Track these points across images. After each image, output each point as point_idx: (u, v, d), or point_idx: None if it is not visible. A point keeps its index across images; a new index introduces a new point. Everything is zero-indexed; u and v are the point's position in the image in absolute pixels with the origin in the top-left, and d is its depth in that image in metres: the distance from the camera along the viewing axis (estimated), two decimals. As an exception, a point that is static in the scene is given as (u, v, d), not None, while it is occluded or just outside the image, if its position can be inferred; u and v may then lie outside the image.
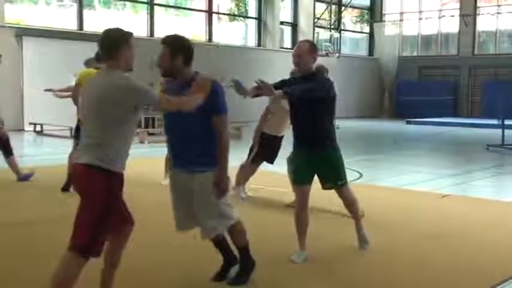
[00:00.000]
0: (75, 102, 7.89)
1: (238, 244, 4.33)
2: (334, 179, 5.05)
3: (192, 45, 4.04)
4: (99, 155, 3.48)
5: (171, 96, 3.82)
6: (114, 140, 3.52)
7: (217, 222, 4.10)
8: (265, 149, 7.30)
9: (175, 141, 4.14)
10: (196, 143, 4.01)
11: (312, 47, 4.95)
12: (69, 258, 3.49)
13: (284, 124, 7.05)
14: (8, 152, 8.62)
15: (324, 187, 5.14)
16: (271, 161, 7.51)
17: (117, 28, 3.65)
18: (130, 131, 3.63)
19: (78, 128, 7.58)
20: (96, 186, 3.48)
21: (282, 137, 7.37)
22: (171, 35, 4.05)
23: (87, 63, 7.95)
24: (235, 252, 4.41)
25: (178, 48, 3.96)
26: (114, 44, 3.55)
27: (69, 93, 8.25)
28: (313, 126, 4.86)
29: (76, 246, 3.47)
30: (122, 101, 3.47)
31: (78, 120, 7.65)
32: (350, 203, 5.23)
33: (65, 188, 7.54)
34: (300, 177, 5.01)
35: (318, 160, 4.96)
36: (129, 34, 3.62)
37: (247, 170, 7.51)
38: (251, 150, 7.45)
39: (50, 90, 9.65)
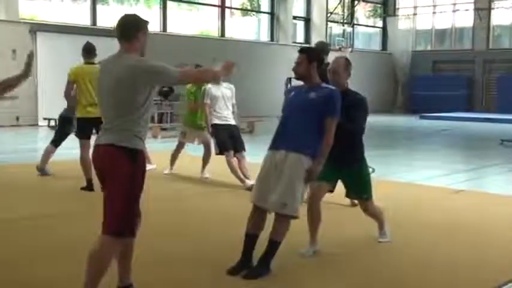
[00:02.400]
0: (68, 100, 7.59)
1: (276, 237, 4.43)
2: (359, 192, 5.22)
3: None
4: (121, 136, 3.50)
5: (292, 102, 4.61)
6: (133, 122, 3.52)
7: (290, 201, 4.36)
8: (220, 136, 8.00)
9: (287, 124, 4.57)
10: (303, 135, 4.48)
11: (347, 63, 5.06)
12: (104, 241, 3.50)
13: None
14: (56, 144, 8.64)
15: (348, 196, 5.39)
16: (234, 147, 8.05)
17: (135, 14, 3.72)
18: (149, 112, 3.63)
19: (79, 126, 7.46)
20: (122, 164, 3.48)
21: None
22: (308, 47, 5.02)
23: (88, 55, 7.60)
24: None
25: (314, 57, 4.61)
26: (133, 28, 3.61)
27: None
28: (342, 146, 4.82)
29: (110, 230, 3.48)
30: (140, 82, 3.49)
31: (78, 119, 7.48)
32: (374, 217, 5.34)
33: (87, 188, 7.36)
34: (320, 173, 4.99)
35: (345, 173, 5.08)
36: (147, 22, 3.71)
37: (231, 163, 7.96)
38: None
39: None
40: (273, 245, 4.45)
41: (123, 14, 3.72)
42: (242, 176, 7.85)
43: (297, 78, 4.68)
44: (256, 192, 4.53)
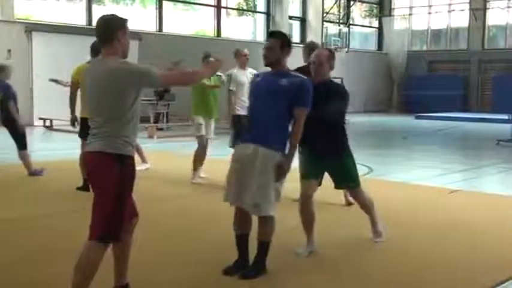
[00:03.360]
0: (73, 100, 7.55)
1: (263, 237, 4.36)
2: (346, 181, 5.18)
3: None
4: (108, 143, 3.47)
5: (260, 86, 4.36)
6: (120, 127, 3.49)
7: (263, 201, 4.20)
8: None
9: (253, 114, 4.39)
10: (271, 124, 4.27)
11: (331, 55, 4.97)
12: (91, 246, 3.50)
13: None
14: (22, 146, 8.64)
15: (336, 187, 5.29)
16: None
17: (113, 14, 3.63)
18: (137, 117, 3.59)
19: (82, 127, 7.33)
20: (109, 170, 3.46)
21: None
22: (278, 31, 4.61)
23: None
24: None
25: (286, 42, 4.35)
26: (111, 30, 3.52)
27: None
28: (326, 137, 4.83)
29: (96, 235, 3.49)
30: (124, 85, 3.44)
31: (81, 119, 7.38)
32: (364, 205, 5.33)
33: (83, 188, 7.21)
34: (307, 171, 4.98)
35: (330, 164, 5.01)
36: (125, 20, 3.61)
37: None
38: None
39: (54, 80, 9.69)
40: (263, 246, 4.39)
41: (100, 16, 3.62)
42: None
43: (266, 65, 4.40)
44: (230, 193, 4.34)
